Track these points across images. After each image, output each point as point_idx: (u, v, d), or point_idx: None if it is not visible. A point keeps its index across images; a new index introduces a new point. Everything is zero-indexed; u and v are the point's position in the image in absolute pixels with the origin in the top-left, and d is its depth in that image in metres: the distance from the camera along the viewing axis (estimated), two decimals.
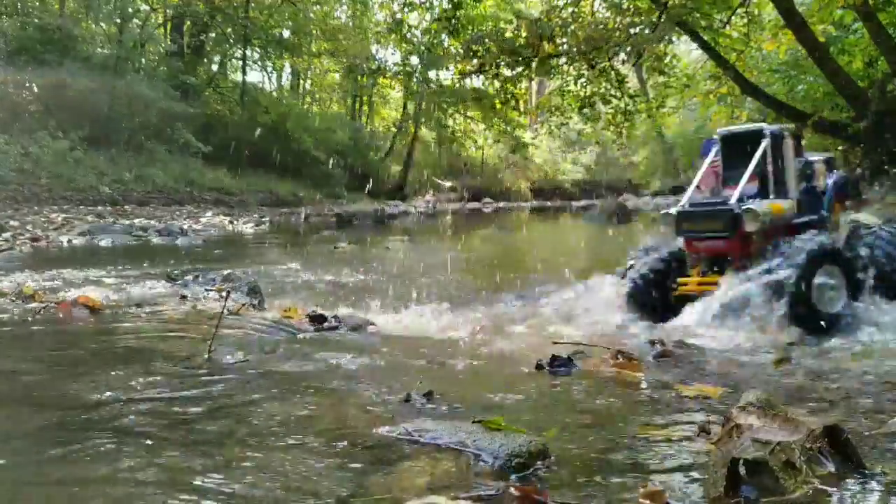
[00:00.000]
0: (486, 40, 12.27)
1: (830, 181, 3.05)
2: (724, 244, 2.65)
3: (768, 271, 2.41)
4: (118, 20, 17.99)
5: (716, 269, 2.71)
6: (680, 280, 2.75)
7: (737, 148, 2.71)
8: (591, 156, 35.32)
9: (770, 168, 2.69)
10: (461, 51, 12.56)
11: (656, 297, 2.72)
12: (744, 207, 2.58)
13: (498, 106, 14.65)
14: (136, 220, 9.93)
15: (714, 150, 2.86)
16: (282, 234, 8.75)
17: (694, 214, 2.72)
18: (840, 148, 15.38)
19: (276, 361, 1.89)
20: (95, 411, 1.42)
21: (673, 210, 2.75)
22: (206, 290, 3.04)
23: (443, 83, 17.25)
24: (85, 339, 2.18)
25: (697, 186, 2.87)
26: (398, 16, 13.88)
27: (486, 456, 1.13)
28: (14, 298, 2.66)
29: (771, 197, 2.70)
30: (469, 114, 25.36)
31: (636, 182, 33.01)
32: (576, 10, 13.15)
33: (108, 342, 2.12)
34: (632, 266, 2.88)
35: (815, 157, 3.11)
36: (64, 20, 15.64)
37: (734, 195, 2.63)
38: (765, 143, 2.67)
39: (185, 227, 9.14)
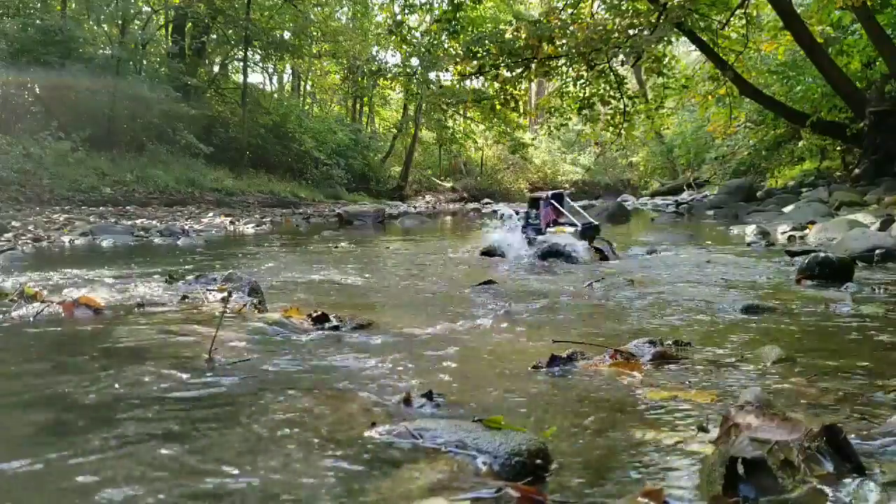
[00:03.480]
0: (486, 42, 12.30)
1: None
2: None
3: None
4: (120, 22, 18.00)
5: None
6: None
7: (556, 198, 5.28)
8: (590, 156, 35.33)
9: (567, 209, 5.22)
10: (461, 52, 12.58)
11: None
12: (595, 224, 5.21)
13: (497, 107, 14.66)
14: (138, 221, 9.95)
15: (553, 201, 5.22)
16: (283, 235, 8.75)
17: (591, 228, 5.02)
18: (838, 149, 15.39)
19: (277, 361, 1.90)
20: (95, 411, 1.43)
21: (577, 227, 4.94)
22: (208, 290, 3.04)
23: (443, 84, 17.26)
24: (86, 339, 2.18)
25: (547, 220, 5.20)
26: (398, 17, 13.90)
27: (486, 455, 1.14)
28: (16, 298, 2.67)
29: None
30: (469, 115, 25.36)
31: (635, 183, 32.97)
32: (575, 11, 13.17)
33: (109, 342, 2.12)
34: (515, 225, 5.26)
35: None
36: (66, 21, 15.66)
37: (592, 222, 5.14)
38: (567, 198, 5.36)
39: (187, 227, 9.14)
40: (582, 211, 5.15)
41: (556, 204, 5.09)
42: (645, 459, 1.20)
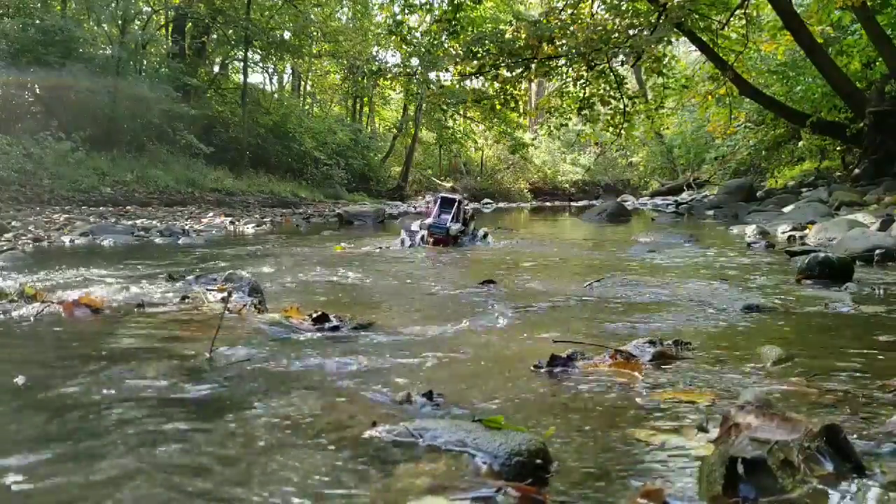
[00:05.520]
0: (486, 42, 12.29)
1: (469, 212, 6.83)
2: (443, 238, 6.22)
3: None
4: (120, 22, 17.99)
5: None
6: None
7: (445, 201, 6.53)
8: (590, 157, 35.34)
9: (455, 211, 6.37)
10: (461, 52, 12.58)
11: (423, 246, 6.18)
12: (450, 225, 6.23)
13: (497, 107, 14.66)
14: (138, 221, 9.94)
15: (437, 201, 6.54)
16: (283, 235, 8.75)
17: (435, 227, 6.23)
18: (838, 149, 15.38)
19: (277, 361, 1.90)
20: (95, 411, 1.43)
21: (426, 224, 6.32)
22: (208, 290, 3.04)
23: (443, 84, 17.27)
24: (86, 339, 2.19)
25: (429, 215, 6.49)
26: (398, 17, 13.89)
27: (486, 455, 1.14)
28: (16, 298, 2.67)
29: (457, 221, 6.36)
30: (469, 115, 25.34)
31: (635, 183, 32.99)
32: (575, 11, 13.17)
33: (109, 342, 2.12)
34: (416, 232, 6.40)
35: (468, 206, 7.04)
36: (66, 21, 15.65)
37: (448, 221, 6.27)
38: (458, 199, 6.57)
39: (187, 227, 9.13)
40: (452, 214, 6.48)
41: (439, 204, 6.60)
42: (645, 459, 1.21)
